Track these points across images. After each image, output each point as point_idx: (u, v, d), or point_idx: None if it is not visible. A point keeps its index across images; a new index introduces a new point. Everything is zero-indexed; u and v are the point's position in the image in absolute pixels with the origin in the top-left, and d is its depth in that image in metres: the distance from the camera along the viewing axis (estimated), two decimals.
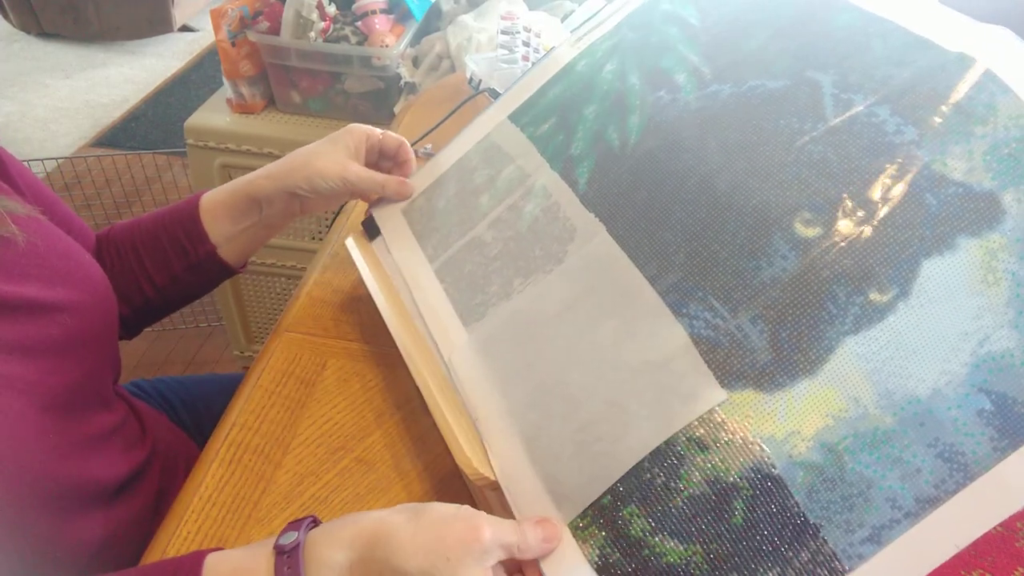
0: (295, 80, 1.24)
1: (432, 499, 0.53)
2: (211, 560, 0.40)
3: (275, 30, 1.18)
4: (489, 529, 0.38)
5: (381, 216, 0.63)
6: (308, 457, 0.55)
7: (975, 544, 0.52)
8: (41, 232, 0.52)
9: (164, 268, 0.65)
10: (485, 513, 0.40)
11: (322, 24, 1.16)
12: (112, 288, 0.57)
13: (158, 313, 0.69)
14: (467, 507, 0.40)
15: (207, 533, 0.50)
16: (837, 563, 0.36)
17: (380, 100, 1.26)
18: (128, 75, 2.74)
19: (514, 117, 0.59)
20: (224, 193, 0.65)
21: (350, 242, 0.64)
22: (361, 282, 0.66)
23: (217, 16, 1.16)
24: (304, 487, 0.53)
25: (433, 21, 1.32)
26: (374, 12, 1.19)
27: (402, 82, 1.23)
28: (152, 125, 2.47)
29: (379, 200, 0.65)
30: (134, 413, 0.62)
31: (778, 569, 0.37)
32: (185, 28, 3.01)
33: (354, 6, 1.20)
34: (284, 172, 0.62)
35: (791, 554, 0.37)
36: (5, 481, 0.44)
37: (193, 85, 2.68)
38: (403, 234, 0.60)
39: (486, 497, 0.48)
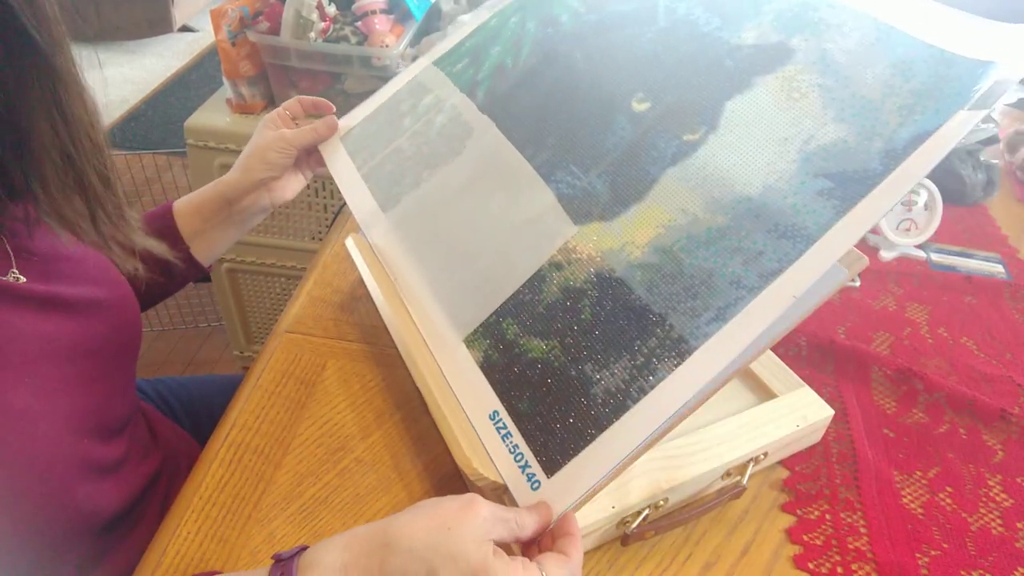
0: (295, 80, 1.24)
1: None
2: None
3: (275, 30, 1.18)
4: (484, 503, 0.40)
5: (324, 148, 0.71)
6: (308, 457, 0.55)
7: (976, 544, 0.52)
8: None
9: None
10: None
11: (322, 24, 1.16)
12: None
13: None
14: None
15: (207, 533, 0.50)
16: (684, 344, 0.42)
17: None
18: (128, 75, 2.74)
19: (437, 63, 0.71)
20: (195, 196, 0.71)
21: (350, 242, 0.64)
22: (361, 282, 0.66)
23: (217, 16, 1.16)
24: (304, 487, 0.53)
25: (433, 21, 1.32)
26: (374, 12, 1.19)
27: None
28: (152, 125, 2.47)
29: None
30: (145, 420, 0.63)
31: (628, 355, 0.44)
32: (185, 28, 3.01)
33: (354, 6, 1.20)
34: (242, 169, 0.70)
35: (639, 342, 0.44)
36: (32, 505, 0.45)
37: (193, 85, 2.68)
38: (340, 154, 0.70)
39: (486, 496, 0.48)
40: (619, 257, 0.47)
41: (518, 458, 0.45)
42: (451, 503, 0.40)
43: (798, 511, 0.54)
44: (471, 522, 0.39)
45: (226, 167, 1.27)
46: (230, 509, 0.52)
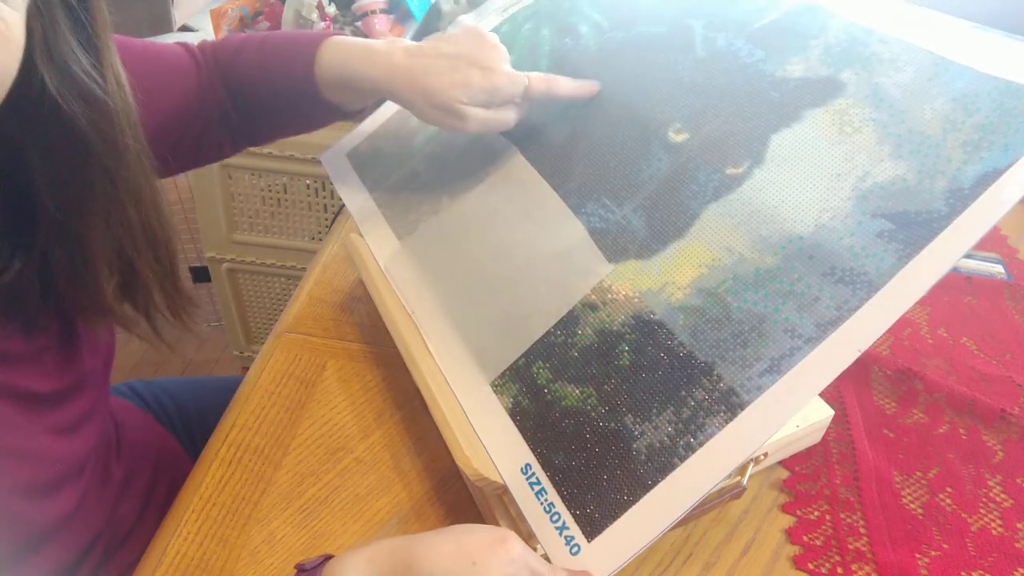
0: None
1: (432, 499, 0.53)
2: None
3: (275, 30, 1.18)
4: (517, 543, 0.38)
5: (327, 159, 0.68)
6: (308, 457, 0.55)
7: (975, 545, 0.52)
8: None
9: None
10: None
11: (322, 24, 1.16)
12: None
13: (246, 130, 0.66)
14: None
15: (207, 533, 0.50)
16: (734, 397, 0.39)
17: (380, 100, 1.26)
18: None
19: None
20: (344, 77, 0.57)
21: (350, 242, 0.64)
22: (361, 282, 0.66)
23: (217, 16, 1.16)
24: (304, 487, 0.53)
25: (433, 21, 1.31)
26: (374, 12, 1.19)
27: None
28: None
29: (329, 147, 0.70)
30: (115, 426, 0.62)
31: (672, 407, 0.41)
32: (185, 28, 3.01)
33: (354, 6, 1.20)
34: (406, 102, 0.56)
35: (684, 392, 0.41)
36: None
37: None
38: (347, 173, 0.67)
39: (486, 497, 0.48)
40: (659, 299, 0.44)
41: (554, 518, 0.42)
42: (484, 534, 0.38)
43: (798, 511, 0.54)
44: (498, 560, 0.37)
45: (226, 167, 1.27)
46: (230, 509, 0.52)
